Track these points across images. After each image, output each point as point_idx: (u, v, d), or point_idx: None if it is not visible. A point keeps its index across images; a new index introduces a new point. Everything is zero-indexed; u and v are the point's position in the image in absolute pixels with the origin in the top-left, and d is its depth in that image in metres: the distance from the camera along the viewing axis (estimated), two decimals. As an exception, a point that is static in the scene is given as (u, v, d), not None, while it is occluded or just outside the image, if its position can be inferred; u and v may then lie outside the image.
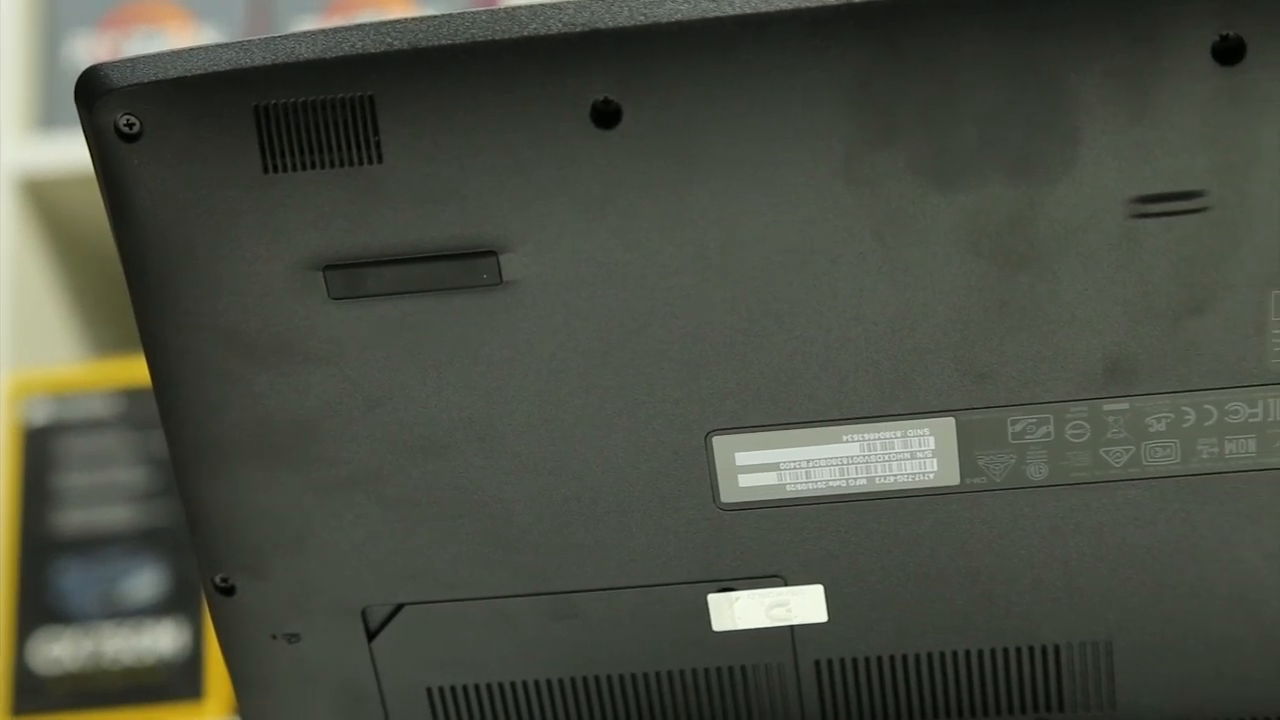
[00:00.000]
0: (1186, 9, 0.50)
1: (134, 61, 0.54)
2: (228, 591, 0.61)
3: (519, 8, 0.53)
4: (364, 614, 0.61)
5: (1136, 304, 0.55)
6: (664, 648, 0.61)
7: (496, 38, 0.52)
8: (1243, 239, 0.53)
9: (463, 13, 0.53)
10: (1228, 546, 0.58)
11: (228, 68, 0.54)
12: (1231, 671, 0.60)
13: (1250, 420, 0.56)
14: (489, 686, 0.62)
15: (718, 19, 0.52)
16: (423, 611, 0.61)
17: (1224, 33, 0.51)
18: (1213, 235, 0.53)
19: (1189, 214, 0.53)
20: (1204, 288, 0.54)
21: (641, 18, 0.52)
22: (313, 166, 0.55)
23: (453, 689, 0.62)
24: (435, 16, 0.53)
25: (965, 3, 0.51)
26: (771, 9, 0.51)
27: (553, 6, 0.52)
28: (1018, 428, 0.57)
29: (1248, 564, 0.58)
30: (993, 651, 0.61)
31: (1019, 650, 0.61)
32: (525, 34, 0.52)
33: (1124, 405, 0.57)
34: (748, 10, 0.51)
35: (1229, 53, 0.51)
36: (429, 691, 0.63)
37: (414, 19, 0.53)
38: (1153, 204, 0.53)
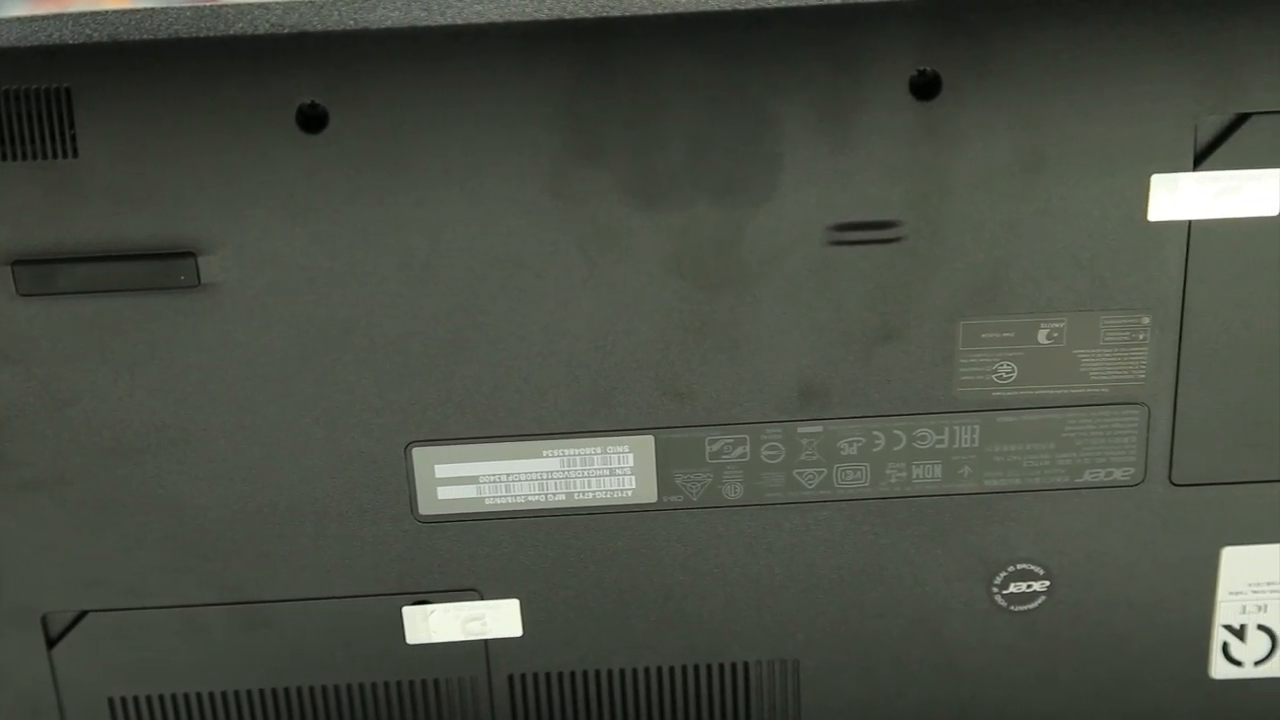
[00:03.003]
0: (886, 43, 0.52)
1: None
2: (-99, 595, 0.59)
3: (226, 6, 0.52)
4: (44, 621, 0.59)
5: (832, 329, 0.56)
6: (357, 660, 0.61)
7: (201, 35, 0.51)
8: (934, 270, 0.55)
9: (167, 8, 0.52)
10: (912, 569, 0.60)
11: (-83, 51, 0.52)
12: (914, 691, 0.62)
13: (937, 446, 0.58)
14: (175, 697, 0.61)
15: (428, 28, 0.51)
16: (107, 619, 0.59)
17: (921, 68, 0.52)
18: (906, 265, 0.55)
19: (884, 243, 0.55)
20: (896, 316, 0.56)
21: (351, 22, 0.51)
22: (4, 158, 0.53)
23: (136, 699, 0.61)
24: (138, 10, 0.52)
25: (673, 24, 0.51)
26: (482, 20, 0.51)
27: (261, 6, 0.51)
28: (715, 447, 0.58)
29: (930, 586, 0.60)
30: (684, 668, 0.61)
31: (709, 667, 0.61)
32: (231, 33, 0.51)
33: (817, 428, 0.58)
34: (458, 21, 0.51)
35: (926, 87, 0.52)
36: (111, 702, 0.61)
37: (116, 11, 0.52)
38: (850, 232, 0.54)
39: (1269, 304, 0.56)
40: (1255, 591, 0.60)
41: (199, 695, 0.61)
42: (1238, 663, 0.62)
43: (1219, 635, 0.61)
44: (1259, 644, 0.61)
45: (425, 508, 0.58)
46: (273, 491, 0.58)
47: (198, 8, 0.51)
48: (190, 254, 0.54)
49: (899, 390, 0.57)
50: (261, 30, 0.51)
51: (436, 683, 0.61)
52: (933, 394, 0.57)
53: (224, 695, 0.61)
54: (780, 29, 0.51)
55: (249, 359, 0.56)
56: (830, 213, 0.54)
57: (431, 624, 0.60)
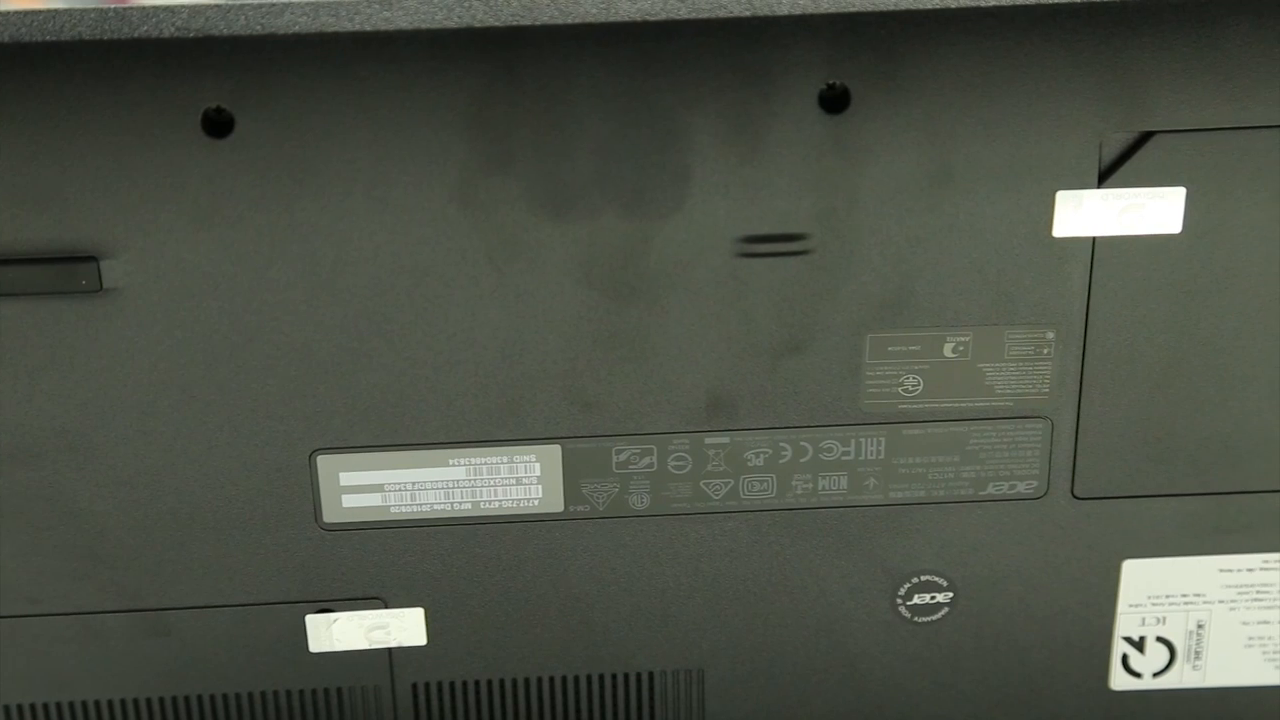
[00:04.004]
0: (796, 56, 0.52)
1: None
2: None
3: (132, 8, 0.51)
4: (-60, 628, 0.58)
5: (740, 341, 0.56)
6: (259, 668, 0.60)
7: (105, 37, 0.51)
8: (842, 282, 0.55)
9: (70, 9, 0.51)
10: (817, 580, 0.60)
11: None
12: (818, 701, 0.62)
13: (843, 458, 0.58)
14: (74, 705, 0.60)
15: (336, 34, 0.51)
16: (3, 626, 0.58)
17: (831, 81, 0.52)
18: (814, 278, 0.55)
19: (792, 256, 0.55)
20: (804, 328, 0.56)
21: (259, 27, 0.51)
22: (-98, 158, 0.52)
23: (33, 707, 0.60)
24: (41, 11, 0.51)
25: (583, 34, 0.51)
26: (391, 27, 0.51)
27: (166, 10, 0.51)
28: (622, 457, 0.58)
29: (834, 597, 0.60)
30: (589, 678, 0.61)
31: (614, 677, 0.61)
32: (136, 35, 0.51)
33: (724, 439, 0.58)
34: (367, 27, 0.51)
35: (835, 101, 0.53)
36: (8, 710, 0.60)
37: (19, 12, 0.51)
38: (758, 244, 0.55)
39: (1171, 320, 0.56)
40: (1155, 604, 0.61)
41: (97, 703, 0.60)
42: (1137, 674, 0.62)
43: (1119, 647, 0.62)
44: (1158, 656, 0.62)
45: (329, 516, 0.58)
46: (174, 498, 0.57)
47: (102, 10, 0.51)
48: (92, 258, 0.53)
49: (806, 402, 0.57)
50: (167, 34, 0.51)
51: (339, 691, 0.61)
52: (839, 406, 0.57)
53: (123, 703, 0.60)
54: (690, 41, 0.51)
55: (151, 365, 0.55)
56: (739, 225, 0.54)
57: (335, 632, 0.60)
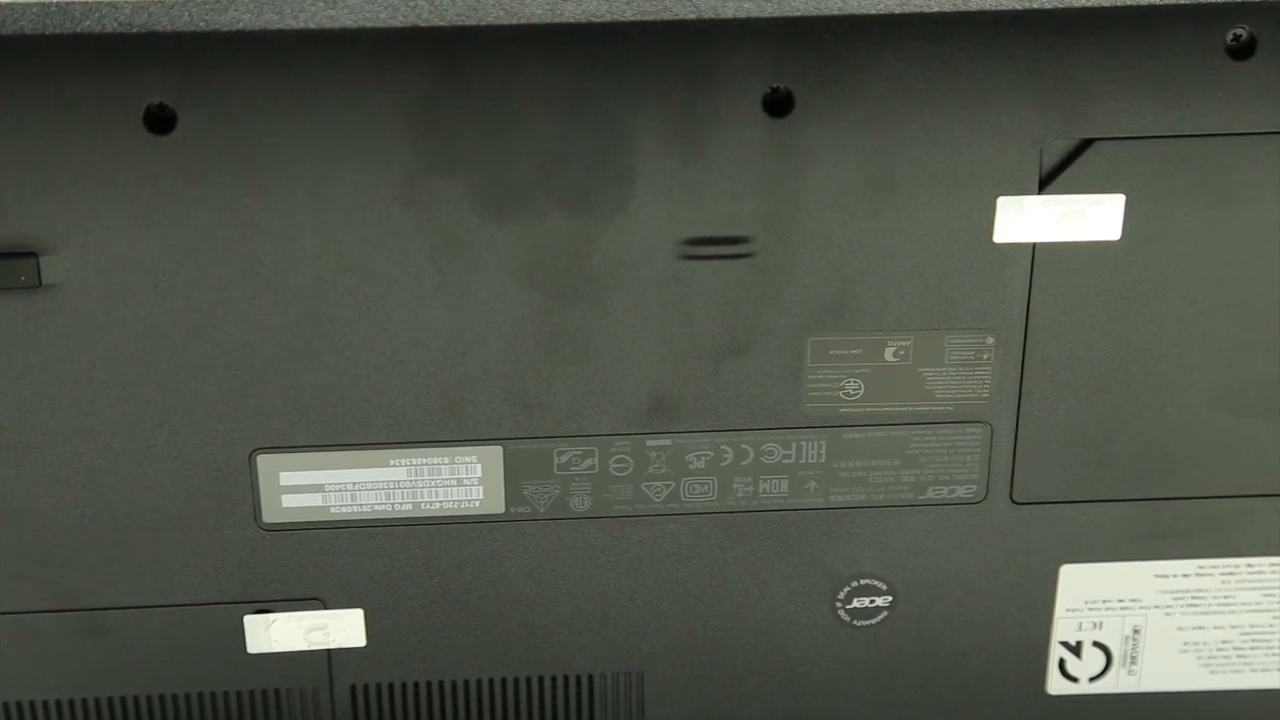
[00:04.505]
0: (740, 60, 0.52)
1: None
2: None
3: (74, 3, 0.51)
4: (-127, 627, 0.58)
5: (682, 343, 0.56)
6: (196, 668, 0.60)
7: (47, 32, 0.50)
8: (784, 286, 0.55)
9: (12, 3, 0.51)
10: (757, 582, 0.60)
11: None
12: (757, 704, 0.62)
13: (784, 461, 0.58)
14: (9, 705, 0.60)
15: (280, 31, 0.51)
16: (-62, 626, 0.58)
17: (775, 85, 0.53)
18: (756, 280, 0.55)
19: (735, 259, 0.55)
20: (746, 331, 0.56)
21: (202, 24, 0.51)
22: None
23: (-32, 708, 0.60)
24: (-18, 4, 0.51)
25: (528, 35, 0.51)
26: (335, 25, 0.51)
27: (109, 5, 0.50)
28: (563, 459, 0.58)
29: (774, 600, 0.60)
30: (529, 680, 0.61)
31: (554, 679, 0.61)
32: (78, 30, 0.50)
33: (666, 441, 0.58)
34: (311, 25, 0.50)
35: (778, 105, 0.53)
36: (-58, 710, 0.60)
37: (-41, 5, 0.51)
38: (701, 247, 0.55)
39: (1110, 326, 0.57)
40: (1091, 609, 0.61)
41: (33, 704, 0.60)
42: (1073, 679, 0.63)
43: (1056, 652, 0.62)
44: (1094, 661, 0.62)
45: (269, 516, 0.58)
46: (112, 497, 0.57)
47: (44, 4, 0.50)
48: (31, 254, 0.53)
49: (747, 405, 0.57)
50: (110, 29, 0.50)
51: (277, 692, 0.61)
52: (781, 409, 0.57)
53: (59, 704, 0.60)
54: (635, 43, 0.51)
55: (90, 362, 0.55)
56: (682, 227, 0.54)
57: (273, 633, 0.59)
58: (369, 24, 0.51)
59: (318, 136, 0.52)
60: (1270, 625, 0.62)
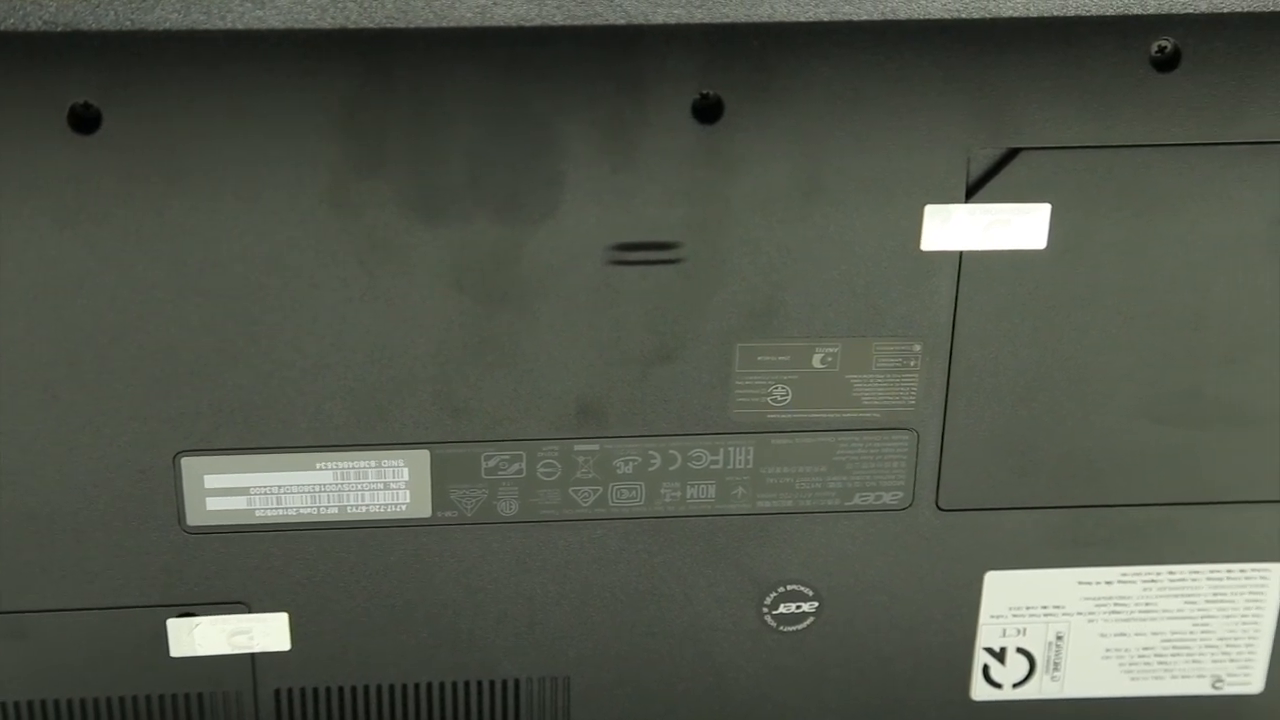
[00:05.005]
0: (670, 66, 0.52)
1: None
2: None
3: (-2, 0, 0.51)
4: None
5: (610, 348, 0.56)
6: (118, 672, 0.59)
7: (-30, 29, 0.50)
8: (712, 292, 0.55)
9: (-66, -1, 0.50)
10: (684, 588, 0.60)
11: None
12: (684, 709, 0.62)
13: (711, 467, 0.58)
14: (-73, 709, 0.59)
15: (208, 31, 0.50)
16: None
17: (704, 91, 0.53)
18: (685, 286, 0.55)
19: (664, 264, 0.55)
20: (674, 337, 0.56)
21: (128, 22, 0.50)
22: None
23: (-115, 711, 0.59)
24: (-96, 0, 0.50)
25: (457, 38, 0.51)
26: (263, 26, 0.50)
27: (33, 2, 0.50)
28: (491, 463, 0.58)
29: (701, 605, 0.61)
30: (455, 684, 0.61)
31: (480, 684, 0.61)
32: (1, 29, 0.50)
33: (594, 446, 0.58)
34: (239, 25, 0.50)
35: (708, 111, 0.53)
36: None
37: (-120, 0, 0.50)
38: (630, 252, 0.55)
39: (1035, 335, 0.57)
40: (1015, 615, 0.62)
41: (-48, 707, 0.59)
42: (997, 685, 0.63)
43: (980, 658, 0.63)
44: (1018, 667, 0.63)
45: (193, 519, 0.57)
46: (34, 499, 0.56)
47: (-33, 1, 0.50)
48: (-47, 253, 0.53)
49: (675, 410, 0.57)
50: (34, 26, 0.50)
51: (200, 697, 0.60)
52: (708, 415, 0.58)
53: (-22, 707, 0.60)
54: (565, 48, 0.51)
55: (12, 363, 0.54)
56: (611, 232, 0.54)
57: (196, 637, 0.59)
58: (297, 25, 0.50)
59: (245, 137, 0.52)
60: (1191, 632, 0.63)
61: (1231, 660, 0.63)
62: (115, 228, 0.53)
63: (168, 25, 0.50)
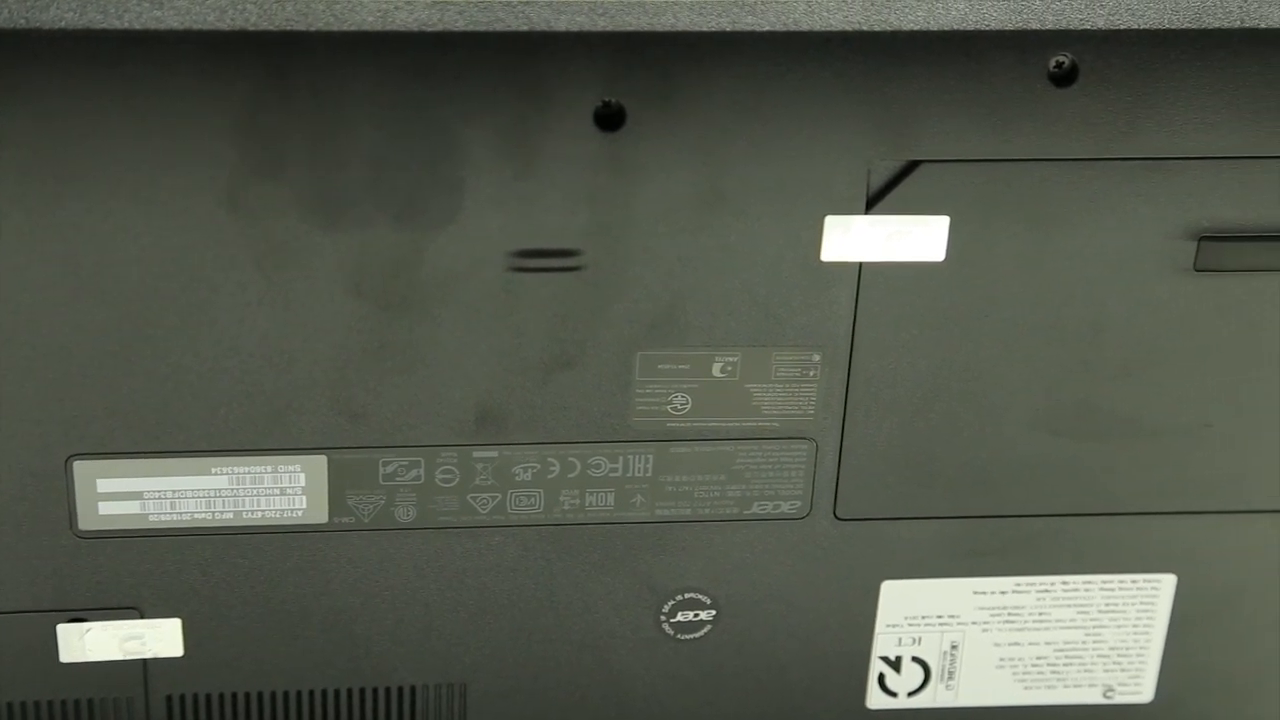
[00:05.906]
0: (573, 73, 0.52)
1: None
2: None
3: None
4: None
5: (510, 355, 0.56)
6: (6, 678, 0.59)
7: None
8: (613, 299, 0.55)
9: None
10: (583, 596, 0.60)
11: None
12: (580, 717, 0.62)
13: (611, 475, 0.58)
14: None
15: (104, 31, 0.50)
16: None
17: (606, 99, 0.53)
18: (585, 294, 0.55)
19: (564, 271, 0.55)
20: (575, 344, 0.56)
21: (23, 21, 0.49)
22: None
23: None
24: None
25: (358, 41, 0.51)
26: (161, 27, 0.50)
27: (-74, -2, 0.49)
28: (389, 469, 0.57)
29: (600, 613, 0.60)
30: (350, 691, 0.61)
31: (376, 690, 0.61)
32: (-108, 24, 0.49)
33: (493, 453, 0.58)
34: (136, 25, 0.50)
35: (610, 119, 0.53)
36: None
37: None
38: (531, 259, 0.55)
39: (934, 346, 0.57)
40: (911, 624, 0.62)
41: None
42: (892, 694, 0.64)
43: (875, 666, 0.63)
44: (913, 675, 0.63)
45: (85, 523, 0.57)
46: (-77, 502, 0.55)
47: None
48: None
49: (575, 418, 0.57)
50: (-75, 23, 0.49)
51: (91, 703, 0.60)
52: (608, 423, 0.58)
53: None
54: (467, 53, 0.51)
55: (-99, 363, 0.53)
56: (512, 239, 0.54)
57: (87, 642, 0.58)
58: (196, 26, 0.50)
59: (141, 139, 0.51)
60: (1083, 642, 0.63)
61: (1123, 670, 0.64)
62: (8, 228, 0.52)
63: (63, 24, 0.50)
